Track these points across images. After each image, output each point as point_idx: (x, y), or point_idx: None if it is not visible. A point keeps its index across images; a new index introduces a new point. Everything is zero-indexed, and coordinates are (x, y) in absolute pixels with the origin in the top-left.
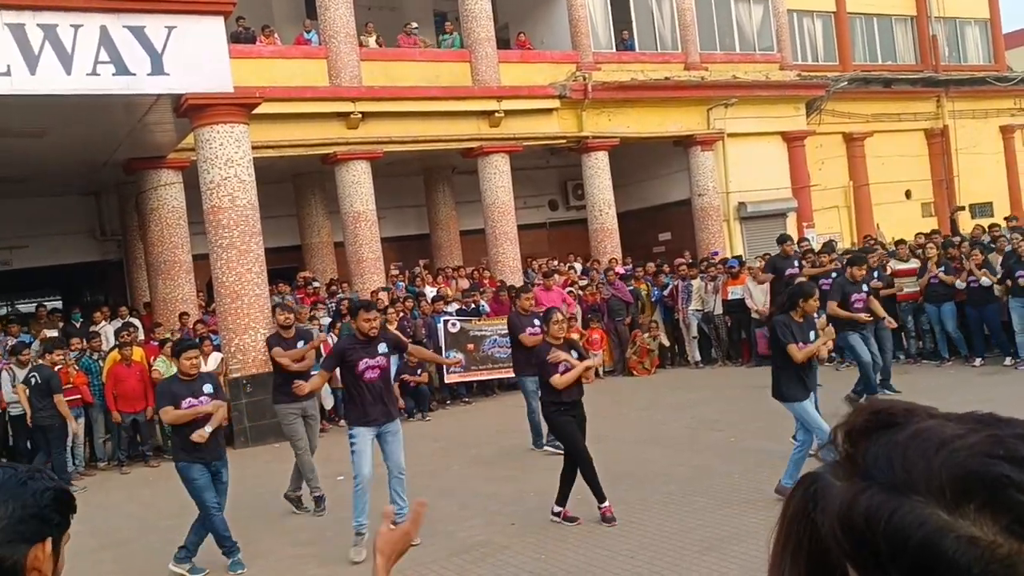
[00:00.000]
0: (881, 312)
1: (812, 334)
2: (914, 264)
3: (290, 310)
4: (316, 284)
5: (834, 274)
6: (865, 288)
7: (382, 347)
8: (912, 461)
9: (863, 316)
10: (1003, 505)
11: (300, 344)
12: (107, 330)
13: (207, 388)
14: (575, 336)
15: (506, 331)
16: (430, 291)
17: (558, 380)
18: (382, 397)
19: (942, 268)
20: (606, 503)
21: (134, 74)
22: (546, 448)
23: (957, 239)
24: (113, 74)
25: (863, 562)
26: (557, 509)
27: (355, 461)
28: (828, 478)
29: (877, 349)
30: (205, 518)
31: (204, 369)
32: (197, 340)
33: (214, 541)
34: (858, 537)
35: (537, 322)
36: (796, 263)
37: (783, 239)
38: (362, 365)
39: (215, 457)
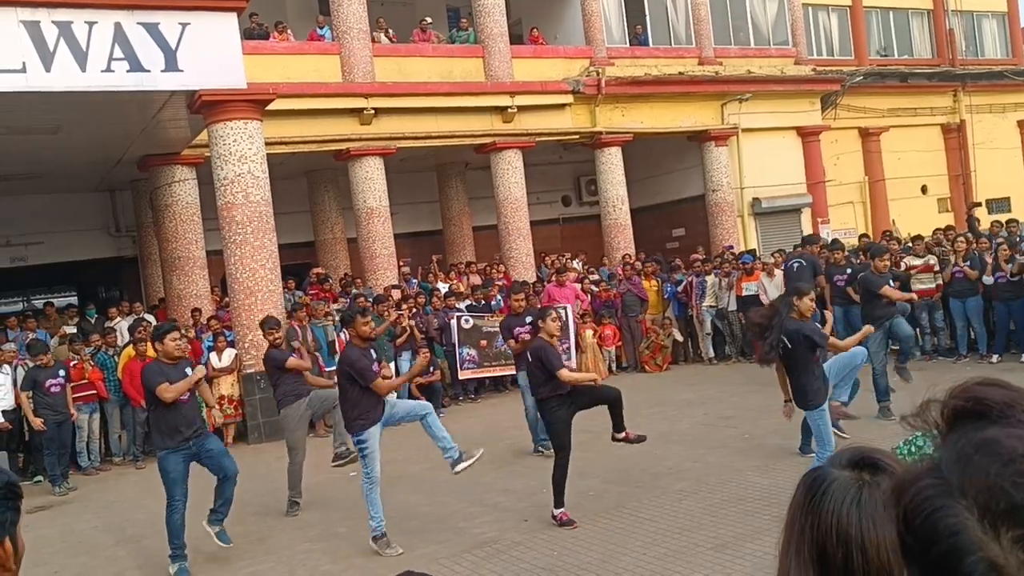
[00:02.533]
0: (906, 296)
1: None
2: (931, 260)
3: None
4: (331, 281)
5: (849, 269)
6: (890, 281)
7: (374, 353)
8: (975, 468)
9: (911, 296)
10: None
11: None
12: (122, 326)
13: (189, 371)
14: (588, 332)
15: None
16: (443, 287)
17: (566, 375)
18: (382, 397)
19: (968, 262)
20: (561, 510)
21: (148, 71)
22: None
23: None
24: (127, 71)
25: (900, 540)
26: (556, 512)
27: (368, 463)
28: (828, 468)
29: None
30: (168, 511)
31: (219, 365)
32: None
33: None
34: (900, 517)
35: (528, 320)
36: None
37: (810, 240)
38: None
39: (196, 435)
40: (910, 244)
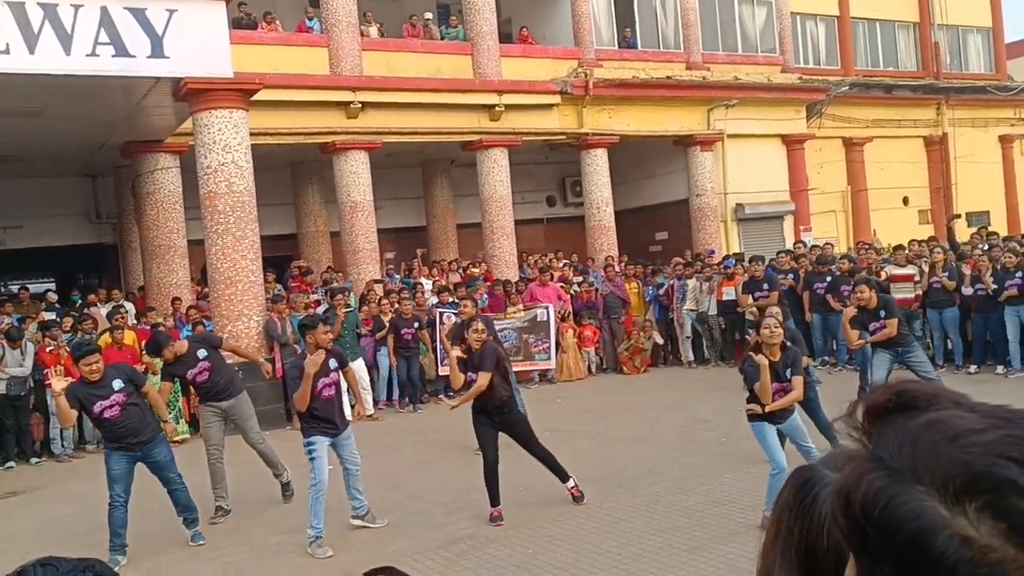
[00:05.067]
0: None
1: (788, 371)
2: (911, 270)
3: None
4: (312, 274)
5: (829, 278)
6: (883, 314)
7: (332, 363)
8: (922, 450)
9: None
10: (1003, 510)
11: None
12: (100, 313)
13: (117, 384)
14: (568, 333)
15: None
16: (427, 282)
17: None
18: (336, 412)
19: (946, 273)
20: (497, 507)
21: (134, 56)
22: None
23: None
24: (112, 55)
25: (856, 545)
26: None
27: (316, 468)
28: (821, 469)
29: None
30: (109, 508)
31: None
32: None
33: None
34: (854, 518)
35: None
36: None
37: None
38: (320, 384)
39: (143, 443)
40: (890, 254)
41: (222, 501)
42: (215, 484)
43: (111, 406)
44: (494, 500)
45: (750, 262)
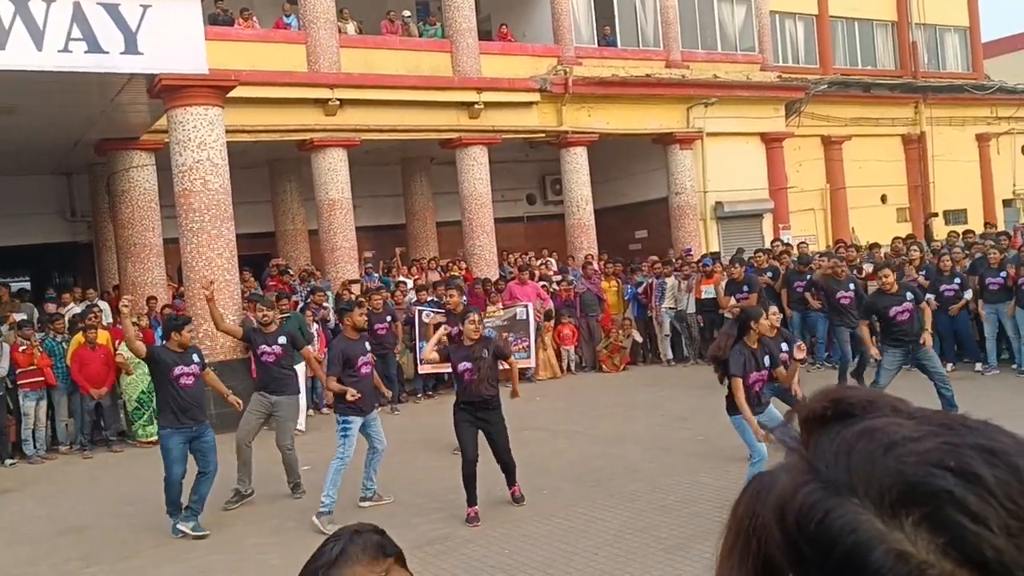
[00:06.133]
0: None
1: (767, 359)
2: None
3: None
4: (291, 272)
5: (809, 276)
6: (910, 297)
7: (367, 344)
8: (857, 460)
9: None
10: (941, 523)
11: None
12: (74, 312)
13: (196, 358)
14: (547, 335)
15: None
16: (409, 281)
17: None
18: (373, 388)
19: (923, 272)
20: (474, 507)
21: (107, 52)
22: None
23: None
24: (85, 52)
25: (792, 560)
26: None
27: (347, 444)
28: (779, 477)
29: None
30: (166, 483)
31: None
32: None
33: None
34: (789, 533)
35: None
36: (850, 286)
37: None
38: (360, 362)
39: (197, 421)
40: (869, 252)
41: (242, 485)
42: (240, 469)
43: (189, 374)
44: (471, 500)
45: (732, 263)
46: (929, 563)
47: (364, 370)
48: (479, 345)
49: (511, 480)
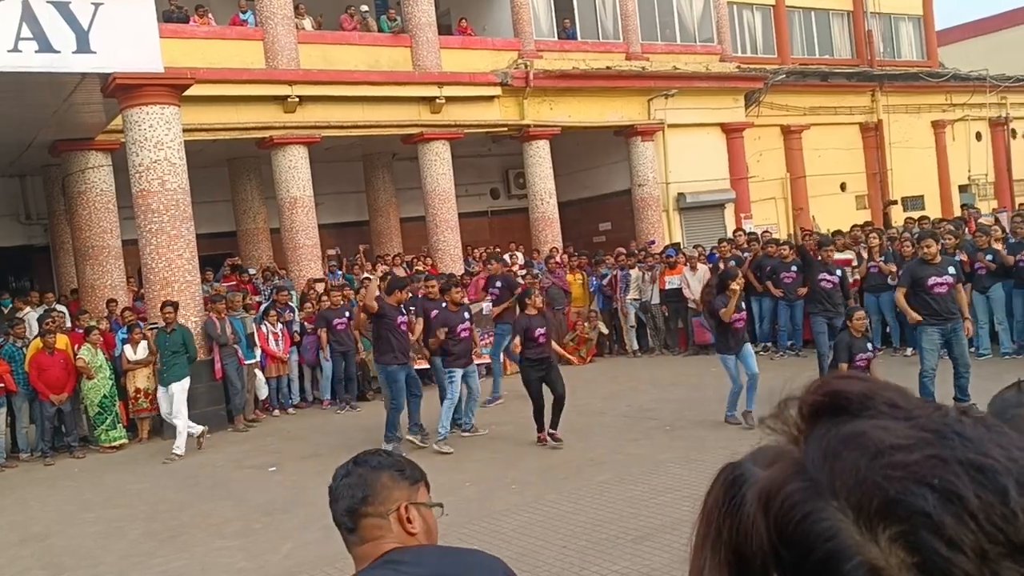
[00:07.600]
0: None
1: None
2: (849, 255)
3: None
4: (252, 272)
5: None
6: (952, 271)
7: (465, 314)
8: (842, 465)
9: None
10: (915, 544)
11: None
12: (31, 317)
13: (466, 315)
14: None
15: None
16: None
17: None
18: (469, 350)
19: (883, 258)
20: (545, 431)
21: (58, 51)
22: (433, 447)
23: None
24: (36, 51)
25: (771, 554)
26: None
27: (452, 389)
28: (750, 466)
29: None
30: (391, 410)
31: (133, 358)
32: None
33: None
34: (770, 529)
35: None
36: (836, 271)
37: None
38: (459, 328)
39: (408, 360)
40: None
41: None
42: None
43: (405, 323)
44: (540, 428)
45: (720, 275)
46: None
47: (463, 335)
48: (542, 316)
49: (556, 420)
